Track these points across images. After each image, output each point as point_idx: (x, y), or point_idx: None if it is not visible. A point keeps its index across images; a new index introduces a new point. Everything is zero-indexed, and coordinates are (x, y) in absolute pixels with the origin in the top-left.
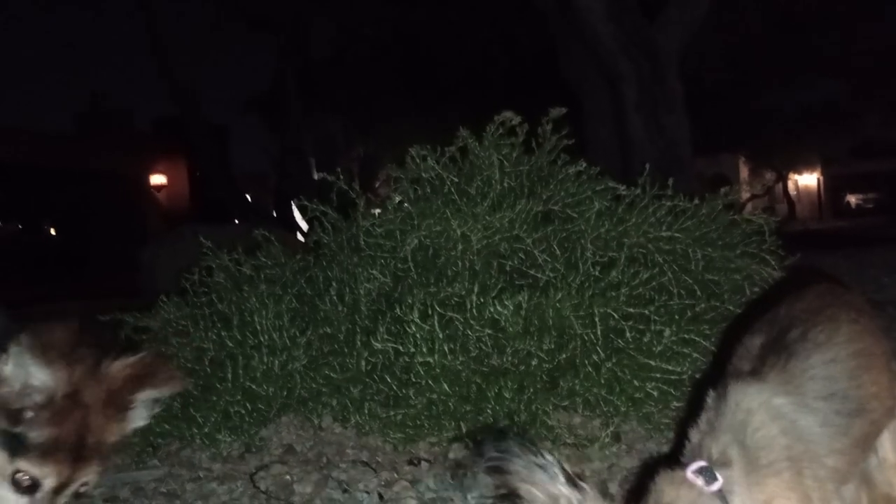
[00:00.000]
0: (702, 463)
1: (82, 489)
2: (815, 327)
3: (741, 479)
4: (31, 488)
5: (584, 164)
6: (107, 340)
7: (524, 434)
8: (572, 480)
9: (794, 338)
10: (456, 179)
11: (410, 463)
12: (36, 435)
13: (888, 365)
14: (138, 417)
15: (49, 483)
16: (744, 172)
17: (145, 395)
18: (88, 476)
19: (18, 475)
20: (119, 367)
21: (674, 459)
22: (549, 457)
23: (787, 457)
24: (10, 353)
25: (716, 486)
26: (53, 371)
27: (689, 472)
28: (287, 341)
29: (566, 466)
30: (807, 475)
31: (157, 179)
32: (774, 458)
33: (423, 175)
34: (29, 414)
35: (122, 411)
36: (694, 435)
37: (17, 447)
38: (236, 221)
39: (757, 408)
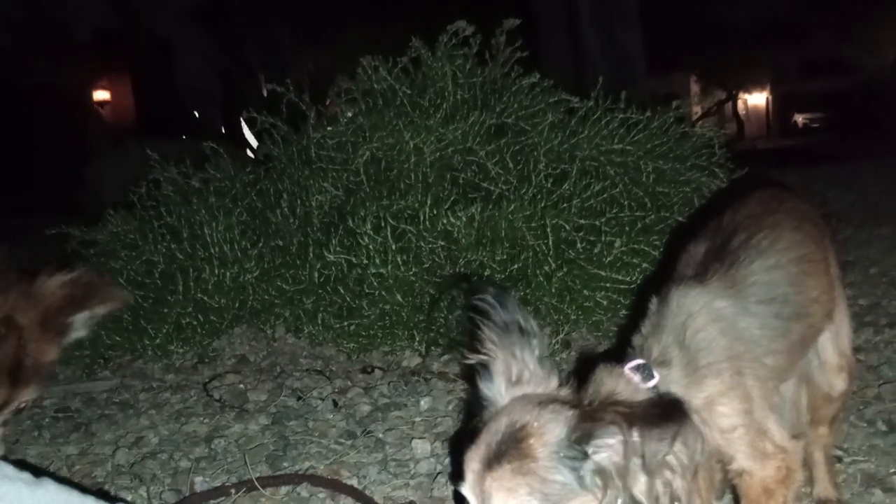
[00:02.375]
0: (640, 361)
1: (22, 406)
2: (757, 234)
3: (679, 380)
4: None
5: (538, 77)
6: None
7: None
8: (541, 361)
9: (737, 244)
10: (408, 91)
11: (364, 371)
12: None
13: (828, 270)
14: (77, 334)
15: None
16: (695, 92)
17: (83, 315)
18: (27, 396)
19: None
20: (54, 288)
21: (614, 358)
22: (536, 327)
23: (726, 357)
24: None
25: (651, 384)
26: None
27: (627, 368)
28: (238, 253)
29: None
30: (747, 374)
31: (100, 95)
32: (714, 359)
33: (375, 86)
34: None
35: (60, 333)
36: (636, 338)
37: None
38: (184, 138)
39: (698, 310)
